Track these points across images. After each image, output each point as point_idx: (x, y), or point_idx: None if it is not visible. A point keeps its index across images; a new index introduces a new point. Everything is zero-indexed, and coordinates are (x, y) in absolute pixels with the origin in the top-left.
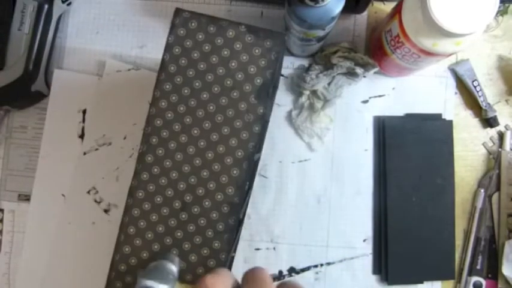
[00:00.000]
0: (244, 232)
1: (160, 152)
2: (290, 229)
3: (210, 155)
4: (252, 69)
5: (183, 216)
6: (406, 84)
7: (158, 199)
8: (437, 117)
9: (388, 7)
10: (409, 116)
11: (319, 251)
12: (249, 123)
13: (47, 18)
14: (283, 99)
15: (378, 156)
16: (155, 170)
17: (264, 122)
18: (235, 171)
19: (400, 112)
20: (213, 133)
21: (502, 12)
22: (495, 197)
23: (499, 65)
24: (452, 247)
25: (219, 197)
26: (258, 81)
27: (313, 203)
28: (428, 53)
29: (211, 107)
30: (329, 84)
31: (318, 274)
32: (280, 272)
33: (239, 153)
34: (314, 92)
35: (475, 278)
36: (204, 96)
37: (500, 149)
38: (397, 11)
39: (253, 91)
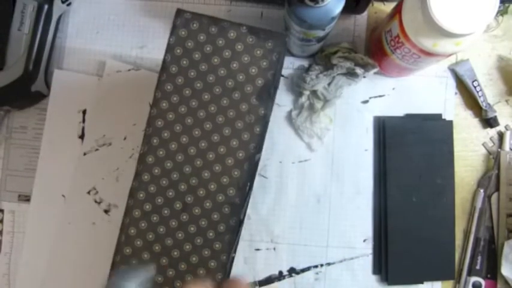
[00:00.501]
0: (244, 232)
1: (161, 153)
2: (290, 229)
3: (211, 156)
4: (253, 70)
5: (184, 217)
6: (406, 85)
7: (159, 200)
8: (438, 117)
9: (388, 7)
10: (409, 116)
11: (319, 251)
12: (250, 124)
13: (47, 18)
14: (283, 99)
15: (378, 156)
16: (156, 171)
17: (264, 122)
18: (236, 172)
19: (400, 112)
20: (214, 134)
21: (502, 12)
22: (494, 197)
23: (499, 65)
24: (452, 247)
25: (220, 198)
26: (259, 82)
27: (313, 203)
28: (429, 53)
29: (212, 108)
30: (329, 84)
31: (318, 274)
32: (280, 272)
33: (240, 154)
34: (314, 92)
35: (474, 278)
36: (205, 97)
37: (499, 149)
38: (397, 11)
39: (254, 92)
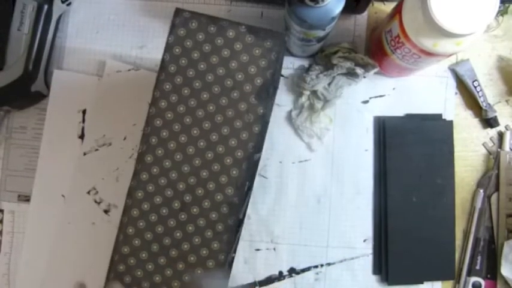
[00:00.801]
0: (244, 232)
1: (159, 152)
2: (290, 229)
3: (209, 155)
4: (252, 70)
5: (183, 216)
6: (406, 85)
7: (157, 199)
8: (438, 117)
9: (388, 7)
10: (409, 116)
11: (319, 251)
12: (249, 123)
13: (47, 18)
14: (283, 99)
15: (378, 156)
16: (155, 170)
17: (264, 122)
18: (234, 172)
19: (400, 112)
20: (212, 133)
21: (502, 12)
22: (494, 197)
23: (499, 65)
24: (452, 247)
25: (218, 197)
26: (258, 81)
27: (313, 203)
28: (429, 53)
29: (211, 107)
30: (329, 84)
31: (318, 274)
32: (281, 273)
33: (239, 154)
34: (314, 92)
35: (474, 278)
36: (204, 96)
37: (499, 149)
38: (398, 11)
39: (253, 91)
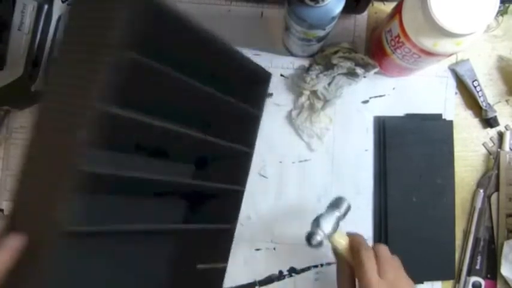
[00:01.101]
0: (244, 232)
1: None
2: (290, 229)
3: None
4: (106, 24)
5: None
6: (406, 84)
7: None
8: (438, 117)
9: (388, 7)
10: (409, 116)
11: (319, 251)
12: (96, 69)
13: (47, 18)
14: (283, 99)
15: (378, 156)
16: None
17: (114, 68)
18: (86, 114)
19: (400, 112)
20: (65, 77)
21: (502, 12)
22: (494, 197)
23: (499, 65)
24: (452, 247)
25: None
26: (110, 33)
27: (313, 203)
28: (429, 53)
29: (69, 56)
30: (329, 84)
31: (318, 274)
32: (281, 272)
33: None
34: (314, 92)
35: (474, 278)
36: (63, 48)
37: (499, 149)
38: (398, 11)
39: (107, 43)
